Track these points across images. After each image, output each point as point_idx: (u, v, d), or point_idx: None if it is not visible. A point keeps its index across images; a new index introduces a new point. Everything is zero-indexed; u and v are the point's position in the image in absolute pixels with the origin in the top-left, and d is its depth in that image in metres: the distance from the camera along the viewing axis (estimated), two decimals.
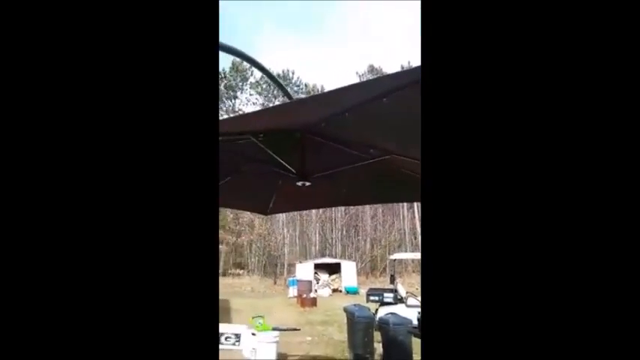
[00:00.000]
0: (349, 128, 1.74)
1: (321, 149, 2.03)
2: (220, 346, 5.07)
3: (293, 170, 2.08)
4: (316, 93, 21.94)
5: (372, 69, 26.34)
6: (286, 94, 2.11)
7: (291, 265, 18.24)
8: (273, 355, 4.28)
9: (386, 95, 1.14)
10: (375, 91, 1.20)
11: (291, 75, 23.54)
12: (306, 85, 23.24)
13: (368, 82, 1.56)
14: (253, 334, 4.64)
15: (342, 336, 5.45)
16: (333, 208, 22.71)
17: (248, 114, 1.92)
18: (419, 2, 0.70)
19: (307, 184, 2.06)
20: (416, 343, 3.38)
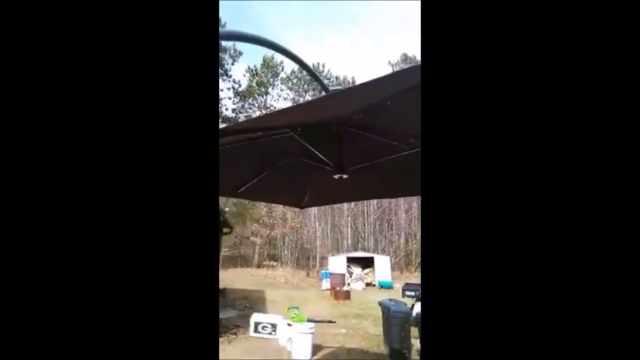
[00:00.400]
0: (388, 118, 1.68)
1: (359, 141, 1.99)
2: (257, 335, 5.30)
3: (330, 163, 2.06)
4: (347, 85, 21.69)
5: (405, 58, 25.47)
6: (322, 86, 2.09)
7: (324, 258, 18.42)
8: (309, 346, 4.37)
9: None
10: (416, 79, 1.15)
11: (321, 68, 23.46)
12: (336, 77, 23.05)
13: (407, 69, 1.54)
14: (289, 325, 4.78)
15: (377, 330, 5.41)
16: (365, 202, 22.50)
17: (286, 109, 1.92)
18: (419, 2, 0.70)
19: (344, 176, 2.04)
20: None
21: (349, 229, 23.16)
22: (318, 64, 22.48)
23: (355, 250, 19.09)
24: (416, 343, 4.29)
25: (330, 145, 1.97)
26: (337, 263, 14.71)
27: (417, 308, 5.38)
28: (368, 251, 18.36)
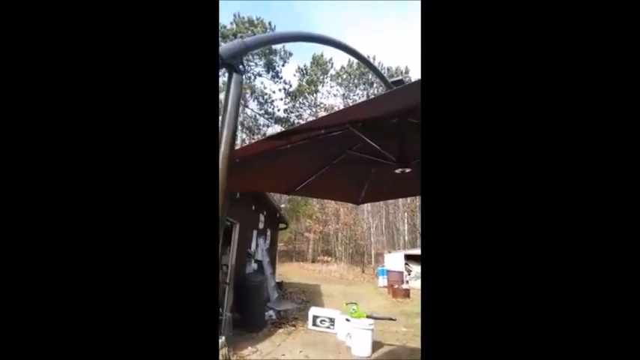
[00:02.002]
0: None
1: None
2: (315, 328, 5.41)
3: (391, 157, 1.99)
4: (400, 76, 20.89)
5: None
6: (381, 77, 2.02)
7: (379, 255, 18.11)
8: (369, 342, 4.32)
9: None
10: None
11: (372, 60, 22.98)
12: (388, 69, 22.35)
13: None
14: (347, 320, 4.78)
15: None
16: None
17: (347, 108, 1.91)
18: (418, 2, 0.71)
19: (407, 170, 1.95)
20: None
21: (406, 225, 22.40)
22: (369, 56, 22.02)
23: (413, 247, 18.42)
24: None
25: (391, 138, 1.90)
26: (394, 260, 14.35)
27: None
28: None
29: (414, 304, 8.79)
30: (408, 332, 5.59)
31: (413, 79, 1.37)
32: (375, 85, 21.99)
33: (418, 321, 6.55)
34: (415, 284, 12.75)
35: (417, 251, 15.61)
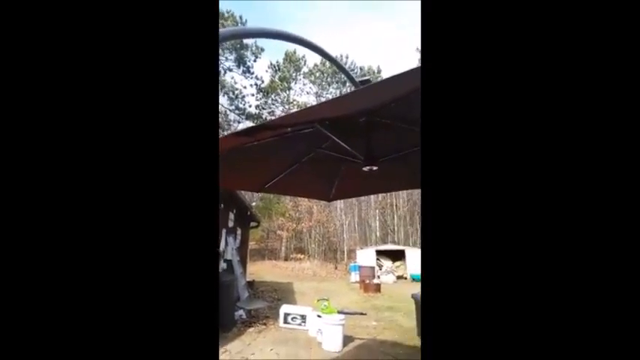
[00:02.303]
0: (418, 108, 1.62)
1: (388, 132, 1.94)
2: (287, 326, 5.40)
3: (359, 155, 2.03)
4: (372, 75, 21.26)
5: None
6: (348, 76, 2.05)
7: (351, 251, 18.40)
8: (340, 337, 4.40)
9: None
10: None
11: (344, 60, 23.13)
12: (361, 68, 22.66)
13: None
14: (319, 316, 4.83)
15: (410, 323, 5.34)
16: (394, 195, 22.13)
17: (314, 106, 1.92)
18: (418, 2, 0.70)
19: (374, 168, 2.00)
20: None
21: (377, 222, 22.92)
22: (342, 55, 22.17)
23: (384, 243, 18.89)
24: None
25: (358, 136, 1.93)
26: (366, 256, 14.65)
27: None
28: (398, 244, 18.11)
29: (385, 298, 9.04)
30: (379, 326, 5.75)
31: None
32: (347, 84, 22.23)
33: (388, 314, 6.75)
34: (386, 279, 13.11)
35: (388, 247, 16.05)
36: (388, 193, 21.55)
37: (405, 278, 13.87)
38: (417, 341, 4.61)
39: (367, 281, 10.49)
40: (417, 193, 21.83)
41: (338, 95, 22.37)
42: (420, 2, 0.69)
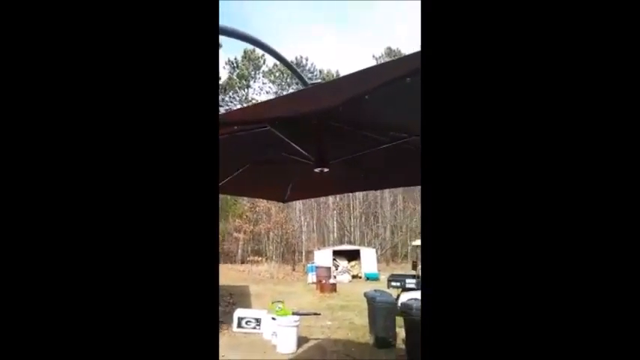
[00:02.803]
0: (368, 111, 1.68)
1: (339, 134, 1.98)
2: (241, 330, 5.26)
3: (311, 157, 2.05)
4: (330, 79, 21.59)
5: (389, 51, 25.57)
6: (301, 79, 2.06)
7: (309, 253, 18.49)
8: (294, 339, 4.39)
9: (409, 75, 1.08)
10: (397, 71, 1.14)
11: (304, 62, 23.23)
12: (320, 71, 22.91)
13: (386, 63, 1.41)
14: (273, 319, 4.77)
15: (363, 321, 5.50)
16: (351, 196, 22.67)
17: (264, 102, 1.88)
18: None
19: (325, 170, 2.03)
20: None
21: (335, 223, 23.30)
22: (302, 57, 22.25)
23: (341, 243, 19.25)
24: (401, 332, 4.39)
25: (310, 138, 1.95)
26: (323, 257, 14.80)
27: (403, 298, 5.49)
28: (354, 244, 18.56)
29: (341, 297, 9.22)
30: (333, 325, 5.84)
31: None
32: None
33: (342, 313, 6.90)
34: (342, 278, 13.37)
35: (344, 247, 16.37)
36: (345, 195, 22.03)
37: (360, 277, 14.26)
38: (368, 338, 4.77)
39: (323, 281, 10.60)
40: (372, 195, 22.58)
41: None
42: (420, 2, 0.69)
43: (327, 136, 1.95)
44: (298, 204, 21.11)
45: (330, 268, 13.11)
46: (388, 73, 1.18)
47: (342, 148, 2.18)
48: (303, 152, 2.00)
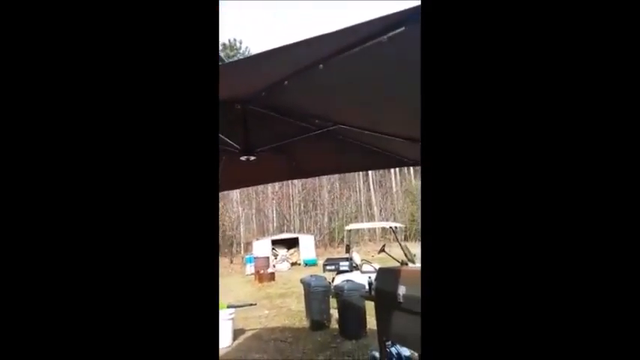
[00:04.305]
0: (291, 97, 1.66)
1: (265, 121, 1.94)
2: None
3: (236, 145, 1.96)
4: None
5: None
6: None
7: (248, 244, 18.13)
8: (229, 332, 4.29)
9: (322, 62, 1.08)
10: (313, 55, 1.13)
11: (238, 44, 22.08)
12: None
13: (303, 42, 0.97)
14: None
15: (300, 306, 5.63)
16: (290, 184, 22.71)
17: None
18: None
19: (252, 158, 1.97)
20: (370, 306, 3.62)
21: (274, 212, 23.16)
22: (235, 40, 21.10)
23: (281, 232, 19.27)
24: (334, 313, 4.60)
25: (235, 125, 1.86)
26: (262, 247, 14.67)
27: (337, 280, 5.75)
28: (293, 232, 18.73)
29: (279, 285, 9.28)
30: (270, 314, 5.87)
31: None
32: None
33: (280, 301, 6.96)
34: (281, 267, 13.45)
35: (283, 235, 16.45)
36: (285, 184, 21.99)
37: (299, 264, 14.54)
38: (305, 323, 4.91)
39: (262, 271, 10.54)
40: (310, 183, 22.96)
41: None
42: (420, 2, 0.69)
43: (253, 122, 1.88)
44: (235, 194, 20.40)
45: (268, 257, 13.07)
46: (303, 57, 1.15)
47: (270, 136, 2.14)
48: (228, 140, 1.91)
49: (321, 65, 1.08)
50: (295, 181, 21.95)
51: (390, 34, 0.85)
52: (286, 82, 1.36)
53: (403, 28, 0.84)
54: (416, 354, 2.51)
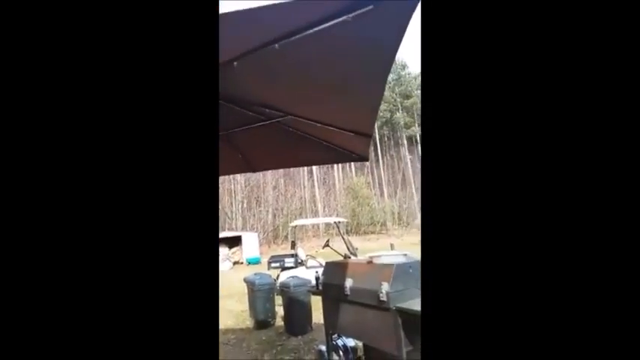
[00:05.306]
0: (238, 82, 1.54)
1: None
2: None
3: None
4: None
5: None
6: None
7: None
8: None
9: (278, 40, 1.00)
10: (269, 31, 1.02)
11: None
12: None
13: (252, 10, 0.84)
14: None
15: (244, 306, 5.43)
16: (232, 181, 21.81)
17: None
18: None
19: None
20: (315, 301, 3.62)
21: None
22: None
23: (222, 230, 18.43)
24: (280, 311, 4.53)
25: None
26: None
27: (282, 277, 5.67)
28: (236, 230, 18.07)
29: (220, 286, 8.84)
30: None
31: None
32: None
33: (221, 303, 6.62)
34: (222, 267, 12.86)
35: (225, 234, 15.74)
36: (226, 180, 21.06)
37: (242, 263, 14.09)
38: (249, 323, 4.74)
39: None
40: (254, 179, 22.37)
41: None
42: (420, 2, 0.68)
43: None
44: None
45: None
46: (257, 33, 1.04)
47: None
48: None
49: (277, 45, 0.99)
50: (238, 177, 21.19)
51: (357, 12, 0.80)
52: (235, 64, 1.24)
53: (371, 7, 0.79)
54: (360, 344, 2.58)
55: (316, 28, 0.87)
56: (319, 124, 1.96)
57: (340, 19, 0.83)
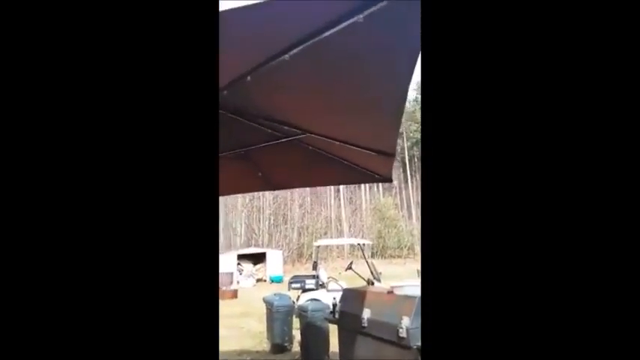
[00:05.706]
0: (254, 97, 1.51)
1: (226, 124, 1.77)
2: None
3: None
4: None
5: None
6: None
7: None
8: None
9: (287, 51, 0.95)
10: (277, 42, 0.98)
11: None
12: None
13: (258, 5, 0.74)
14: None
15: (262, 327, 5.29)
16: (261, 198, 22.21)
17: None
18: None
19: None
20: (334, 327, 3.42)
21: (243, 225, 22.45)
22: None
23: (248, 246, 18.64)
24: (297, 335, 4.34)
25: None
26: (227, 261, 14.01)
27: (302, 299, 5.50)
28: (262, 247, 18.19)
29: (241, 303, 8.82)
30: (228, 335, 5.45)
31: None
32: None
33: (240, 321, 6.54)
34: (245, 283, 12.89)
35: (250, 250, 15.89)
36: (255, 196, 21.49)
37: (265, 280, 14.02)
38: (266, 345, 4.59)
39: (224, 288, 10.02)
40: (281, 196, 22.64)
41: None
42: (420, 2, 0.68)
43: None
44: None
45: (232, 273, 12.50)
46: (265, 40, 0.97)
47: (232, 142, 1.97)
48: None
49: (287, 56, 0.94)
50: (267, 194, 21.53)
51: (368, 11, 0.71)
52: (249, 78, 1.21)
53: (385, 3, 0.71)
54: None
55: (326, 34, 0.80)
56: (338, 142, 1.88)
57: (350, 21, 0.74)
